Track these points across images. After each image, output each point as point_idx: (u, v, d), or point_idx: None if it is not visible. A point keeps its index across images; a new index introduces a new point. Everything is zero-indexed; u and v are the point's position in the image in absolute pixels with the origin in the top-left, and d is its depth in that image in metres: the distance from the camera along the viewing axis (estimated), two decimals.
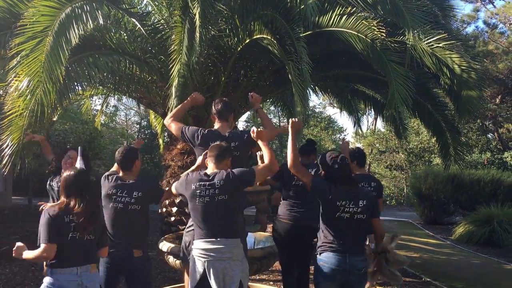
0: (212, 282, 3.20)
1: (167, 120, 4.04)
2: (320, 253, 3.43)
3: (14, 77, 4.68)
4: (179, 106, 4.19)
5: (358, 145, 29.12)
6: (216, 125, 3.92)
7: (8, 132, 4.75)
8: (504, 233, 9.73)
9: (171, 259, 4.58)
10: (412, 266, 7.33)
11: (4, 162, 4.75)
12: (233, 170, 3.33)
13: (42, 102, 4.49)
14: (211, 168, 3.40)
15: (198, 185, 3.30)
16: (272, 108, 27.98)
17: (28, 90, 4.47)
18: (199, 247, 3.29)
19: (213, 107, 3.94)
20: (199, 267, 3.25)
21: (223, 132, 3.82)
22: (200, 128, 3.91)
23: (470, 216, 11.09)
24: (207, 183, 3.28)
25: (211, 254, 3.22)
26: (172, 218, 7.21)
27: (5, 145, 4.74)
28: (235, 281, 3.21)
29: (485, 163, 17.80)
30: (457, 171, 11.95)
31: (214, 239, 3.25)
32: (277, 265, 7.12)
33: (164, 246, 4.64)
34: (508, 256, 8.93)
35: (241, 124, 28.42)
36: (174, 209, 7.18)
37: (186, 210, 7.09)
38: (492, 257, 8.92)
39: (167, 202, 7.35)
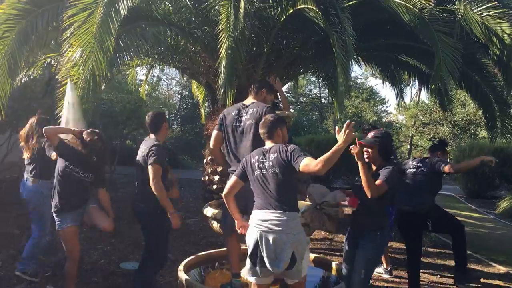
0: (264, 252, 3.28)
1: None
2: None
3: (68, 47, 4.89)
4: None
5: (400, 117, 28.60)
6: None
7: (63, 100, 4.98)
8: None
9: (214, 224, 4.74)
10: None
11: None
12: (287, 146, 3.40)
13: (94, 71, 4.70)
14: (268, 144, 3.54)
15: (257, 159, 3.45)
16: (313, 78, 27.85)
17: (81, 60, 4.69)
18: (255, 217, 3.39)
19: None
20: (254, 236, 3.34)
21: (246, 103, 4.19)
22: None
23: None
24: (264, 156, 3.43)
25: (265, 225, 3.30)
26: (214, 186, 7.41)
27: (61, 112, 5.00)
28: (286, 253, 3.26)
29: None
30: (504, 145, 11.62)
31: (269, 211, 3.33)
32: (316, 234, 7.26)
33: (208, 211, 4.79)
34: None
35: None
36: (216, 178, 7.38)
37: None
38: None
39: (209, 170, 7.56)
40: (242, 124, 4.06)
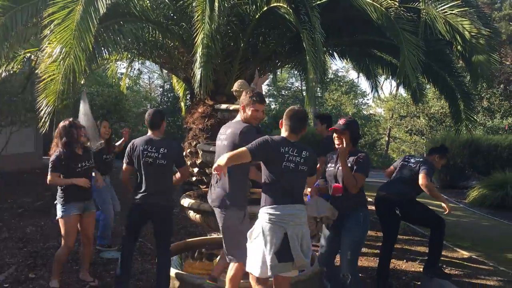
0: (295, 247, 3.27)
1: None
2: None
3: (48, 44, 5.05)
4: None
5: (379, 109, 29.08)
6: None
7: (43, 95, 5.18)
8: None
9: (191, 213, 4.93)
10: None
11: (41, 122, 5.20)
12: (312, 150, 3.55)
13: (73, 68, 4.88)
14: (291, 137, 3.49)
15: (287, 149, 3.40)
16: (296, 71, 28.08)
17: (60, 57, 4.86)
18: (277, 212, 3.33)
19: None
20: (280, 233, 3.28)
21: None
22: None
23: (485, 180, 11.27)
24: (295, 150, 3.42)
25: (292, 219, 3.31)
26: (194, 178, 7.62)
27: (41, 107, 5.17)
28: (310, 246, 3.38)
29: (506, 128, 17.72)
30: (475, 136, 12.05)
31: (291, 205, 3.36)
32: None
33: (185, 202, 4.97)
34: None
35: (263, 88, 28.46)
36: (196, 170, 7.59)
37: (207, 170, 7.51)
38: (503, 220, 9.18)
39: (189, 162, 7.76)
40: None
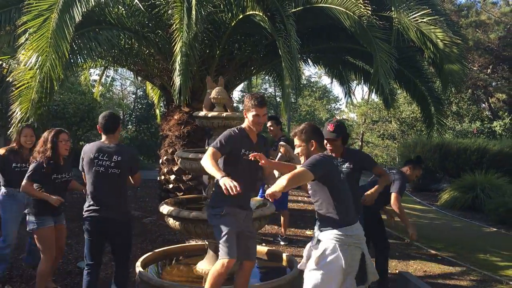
0: (370, 264, 3.12)
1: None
2: None
3: (24, 52, 4.99)
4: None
5: (352, 115, 29.47)
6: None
7: (18, 102, 5.11)
8: (487, 199, 10.20)
9: (171, 221, 4.93)
10: (396, 229, 7.79)
11: (11, 129, 5.12)
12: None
13: (50, 75, 4.83)
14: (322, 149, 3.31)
15: (336, 162, 3.24)
16: (267, 77, 28.27)
17: (37, 65, 4.80)
18: (354, 233, 3.06)
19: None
20: (357, 255, 3.05)
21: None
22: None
23: (455, 183, 11.57)
24: (336, 161, 3.28)
25: (362, 239, 3.09)
26: (170, 186, 7.61)
27: (14, 114, 5.10)
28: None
29: (474, 132, 18.24)
30: (445, 140, 12.37)
31: (357, 223, 3.13)
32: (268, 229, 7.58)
33: (164, 209, 4.97)
34: (489, 220, 9.45)
35: (236, 94, 28.60)
36: (172, 177, 7.58)
37: (184, 177, 7.51)
38: (474, 222, 9.46)
39: (165, 170, 7.74)
40: None
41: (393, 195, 4.72)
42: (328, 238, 3.02)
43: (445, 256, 6.63)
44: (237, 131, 3.64)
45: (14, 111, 5.25)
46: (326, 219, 3.07)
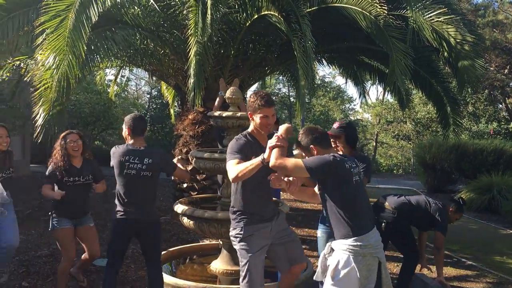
0: (386, 274, 2.96)
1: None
2: None
3: (42, 52, 5.07)
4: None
5: (366, 115, 29.32)
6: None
7: (40, 103, 5.19)
8: (504, 200, 10.05)
9: (185, 220, 4.95)
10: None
11: (37, 131, 5.21)
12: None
13: (67, 75, 4.90)
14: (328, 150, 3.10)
15: (350, 164, 2.97)
16: (280, 77, 28.26)
17: (54, 65, 4.87)
18: (368, 243, 2.86)
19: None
20: (374, 265, 2.88)
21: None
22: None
23: (472, 184, 11.42)
24: (352, 163, 3.02)
25: (379, 247, 2.93)
26: (185, 185, 7.64)
27: (38, 117, 5.17)
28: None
29: (491, 133, 18.01)
30: (462, 141, 12.23)
31: (373, 229, 2.96)
32: None
33: (179, 208, 5.00)
34: (506, 222, 9.33)
35: (249, 94, 28.57)
36: None
37: (198, 177, 7.54)
38: (490, 223, 9.34)
39: None
40: None
41: (440, 236, 4.62)
42: (341, 249, 2.87)
43: (461, 258, 6.56)
44: (244, 138, 3.29)
45: (38, 113, 5.33)
46: (338, 227, 2.91)
